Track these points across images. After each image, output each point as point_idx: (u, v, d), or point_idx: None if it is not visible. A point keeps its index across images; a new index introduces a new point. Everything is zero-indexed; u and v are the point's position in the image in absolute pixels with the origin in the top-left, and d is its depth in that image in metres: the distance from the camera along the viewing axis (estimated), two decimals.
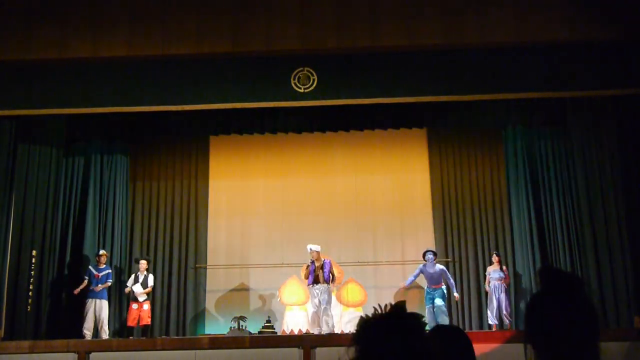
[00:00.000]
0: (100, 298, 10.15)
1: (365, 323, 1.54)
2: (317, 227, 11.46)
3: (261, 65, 9.49)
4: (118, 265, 10.97)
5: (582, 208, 9.69)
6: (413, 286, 10.96)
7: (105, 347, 8.55)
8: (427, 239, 11.59)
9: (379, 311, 1.54)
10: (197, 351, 8.30)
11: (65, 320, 10.25)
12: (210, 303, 11.58)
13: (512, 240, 11.02)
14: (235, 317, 9.93)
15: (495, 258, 10.51)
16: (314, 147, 12.01)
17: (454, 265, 11.33)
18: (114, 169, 11.23)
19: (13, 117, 9.76)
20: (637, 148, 9.41)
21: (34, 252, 9.94)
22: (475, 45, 9.30)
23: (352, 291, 10.79)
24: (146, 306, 10.43)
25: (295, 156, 12.10)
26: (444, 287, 10.36)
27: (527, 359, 1.66)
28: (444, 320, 9.99)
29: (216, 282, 11.67)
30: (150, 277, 10.64)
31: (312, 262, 9.70)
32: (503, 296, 10.21)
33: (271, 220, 11.90)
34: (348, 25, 9.34)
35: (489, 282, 10.41)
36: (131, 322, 10.29)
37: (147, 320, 10.40)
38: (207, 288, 11.57)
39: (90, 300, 10.09)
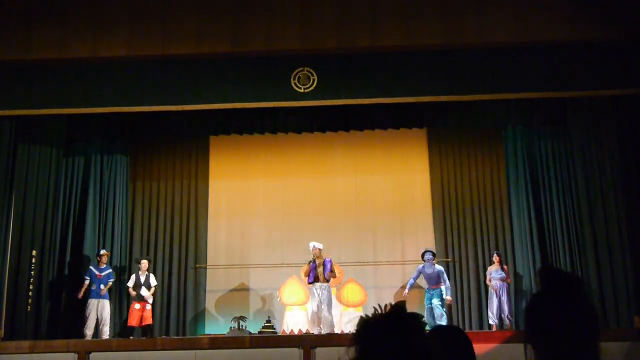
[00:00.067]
0: (103, 298, 10.15)
1: (365, 323, 1.54)
2: (317, 227, 11.46)
3: (261, 65, 9.49)
4: (118, 265, 10.97)
5: (582, 208, 9.69)
6: (413, 286, 10.94)
7: (105, 347, 8.55)
8: (427, 239, 11.59)
9: (379, 311, 1.54)
10: (197, 351, 8.30)
11: (65, 320, 10.26)
12: (210, 303, 11.58)
13: (512, 240, 11.02)
14: (235, 317, 9.93)
15: (496, 258, 10.51)
16: (314, 147, 12.01)
17: (454, 265, 11.33)
18: (114, 169, 11.24)
19: (13, 117, 9.76)
20: (637, 148, 9.41)
21: (34, 252, 9.94)
22: (475, 45, 9.30)
23: (352, 291, 10.79)
24: (148, 306, 10.44)
25: (295, 156, 12.10)
26: (442, 287, 10.35)
27: (527, 359, 1.66)
28: (440, 320, 10.00)
29: (216, 282, 11.67)
30: (152, 277, 10.65)
31: (313, 260, 9.70)
32: (505, 298, 10.20)
33: (271, 220, 11.90)
34: (348, 25, 9.34)
35: (490, 281, 10.40)
36: (133, 322, 10.27)
37: (149, 320, 10.41)
38: (207, 288, 11.57)
39: (92, 300, 10.08)
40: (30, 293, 9.79)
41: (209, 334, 10.33)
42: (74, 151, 11.11)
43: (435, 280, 10.36)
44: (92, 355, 8.26)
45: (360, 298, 10.77)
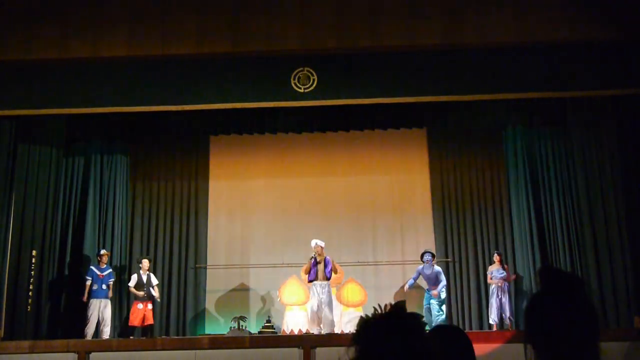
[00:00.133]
0: (105, 298, 10.15)
1: (365, 323, 1.54)
2: (317, 227, 11.45)
3: (261, 65, 9.49)
4: (118, 265, 10.97)
5: (582, 208, 9.69)
6: (413, 286, 10.95)
7: (105, 347, 8.54)
8: (427, 239, 11.60)
9: (379, 311, 1.54)
10: (197, 351, 8.30)
11: (65, 320, 10.26)
12: (210, 303, 11.58)
13: (512, 240, 11.02)
14: (235, 317, 9.93)
15: (496, 257, 10.51)
16: (314, 147, 12.01)
17: (454, 266, 11.33)
18: (114, 169, 11.24)
19: (13, 117, 9.76)
20: (637, 148, 9.41)
21: (34, 252, 9.93)
22: (475, 45, 9.30)
23: (352, 291, 10.79)
24: (150, 306, 10.45)
25: (295, 156, 12.10)
26: (442, 288, 10.35)
27: (527, 359, 1.66)
28: (437, 320, 10.02)
29: (216, 282, 11.66)
30: (153, 276, 10.66)
31: (315, 258, 9.70)
32: (506, 299, 10.20)
33: (271, 220, 11.90)
34: (348, 25, 9.34)
35: (492, 279, 10.39)
36: (136, 322, 10.25)
37: (151, 320, 10.42)
38: (207, 288, 11.57)
39: (94, 300, 10.07)
40: (30, 293, 9.78)
41: (209, 334, 10.33)
42: (74, 151, 11.11)
43: (434, 281, 10.37)
44: (92, 355, 8.26)
45: (360, 298, 10.77)
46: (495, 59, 9.35)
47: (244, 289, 11.66)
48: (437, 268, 10.50)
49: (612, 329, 8.76)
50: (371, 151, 12.02)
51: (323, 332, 9.33)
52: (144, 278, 10.50)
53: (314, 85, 9.38)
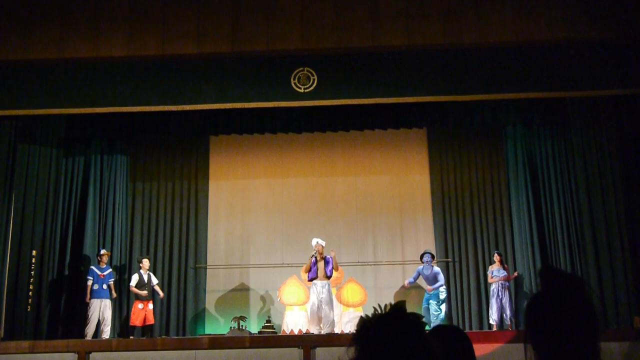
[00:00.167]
0: (105, 298, 10.15)
1: (365, 323, 1.54)
2: (317, 227, 11.46)
3: (261, 65, 9.50)
4: (118, 265, 10.97)
5: (582, 208, 9.69)
6: (413, 286, 10.96)
7: (105, 347, 8.54)
8: (427, 239, 11.60)
9: (379, 311, 1.54)
10: (197, 351, 8.30)
11: (65, 320, 10.25)
12: (210, 303, 11.58)
13: (512, 240, 11.02)
14: (235, 317, 9.93)
15: (496, 257, 10.52)
16: (314, 147, 12.01)
17: (454, 265, 11.33)
18: (114, 169, 11.23)
19: (13, 117, 9.77)
20: (637, 148, 9.41)
21: (34, 252, 9.94)
22: (475, 45, 9.30)
23: (352, 291, 10.79)
24: (151, 305, 10.44)
25: (295, 156, 12.10)
26: (440, 288, 10.35)
27: (527, 359, 1.66)
28: (436, 318, 10.03)
29: (216, 282, 11.66)
30: (152, 276, 10.67)
31: (315, 257, 9.71)
32: (506, 299, 10.20)
33: (271, 220, 11.90)
34: (348, 25, 9.34)
35: (492, 278, 10.38)
36: (137, 321, 10.24)
37: (152, 319, 10.41)
38: (207, 288, 11.57)
39: (95, 300, 10.06)
40: (30, 293, 9.79)
41: (209, 334, 10.33)
42: (74, 151, 11.10)
43: (432, 282, 10.38)
44: (92, 355, 8.26)
45: (360, 298, 10.77)
46: (495, 59, 9.36)
47: (244, 289, 11.66)
48: (436, 269, 10.51)
49: (612, 329, 8.76)
50: (371, 151, 12.02)
51: (323, 331, 9.33)
52: (145, 277, 10.50)
53: (314, 85, 9.39)
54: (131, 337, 10.10)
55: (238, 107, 9.69)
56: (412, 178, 12.00)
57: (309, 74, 9.41)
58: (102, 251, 10.42)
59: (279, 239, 11.77)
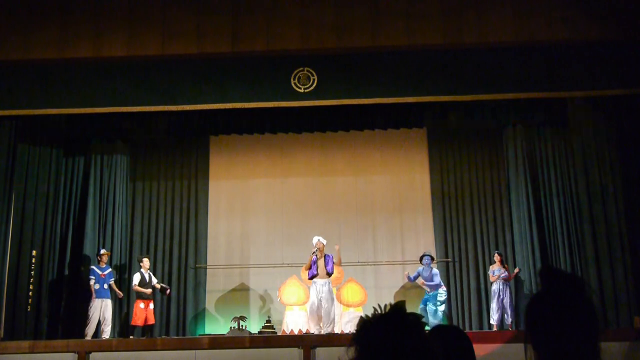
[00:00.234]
0: (106, 297, 10.15)
1: (365, 323, 1.54)
2: (317, 227, 11.45)
3: (261, 65, 9.50)
4: (118, 264, 10.97)
5: (582, 208, 9.69)
6: (413, 286, 10.96)
7: (105, 347, 8.54)
8: (427, 239, 11.60)
9: (379, 311, 1.54)
10: (197, 351, 8.30)
11: (65, 320, 10.25)
12: (210, 303, 11.58)
13: (512, 240, 11.02)
14: (235, 317, 9.93)
15: (497, 257, 10.52)
16: (314, 147, 12.01)
17: (454, 266, 11.33)
18: (114, 169, 11.23)
19: (13, 117, 9.77)
20: (637, 148, 9.42)
21: (34, 252, 9.94)
22: (475, 45, 9.30)
23: (352, 291, 10.79)
24: (152, 305, 10.44)
25: (295, 156, 12.10)
26: (439, 290, 10.35)
27: (527, 359, 1.66)
28: (433, 316, 10.03)
29: (216, 282, 11.66)
30: (152, 275, 10.68)
31: (316, 255, 9.70)
32: (507, 299, 10.20)
33: (271, 220, 11.90)
34: (348, 25, 9.34)
35: (493, 277, 10.37)
36: (139, 321, 10.23)
37: (152, 319, 10.41)
38: (207, 288, 11.57)
39: (97, 300, 10.05)
40: (30, 293, 9.79)
41: (209, 334, 10.33)
42: (74, 151, 11.10)
43: (437, 283, 10.38)
44: (92, 355, 8.26)
45: (360, 298, 10.77)
46: (495, 59, 9.36)
47: (244, 289, 11.66)
48: (435, 271, 10.52)
49: (612, 329, 8.76)
50: (371, 151, 12.02)
51: (323, 330, 9.33)
52: (146, 277, 10.50)
53: (314, 85, 9.39)
54: (131, 337, 10.09)
55: (238, 107, 9.69)
56: (412, 178, 12.00)
57: (309, 74, 9.41)
58: (102, 251, 10.41)
59: (279, 239, 11.76)
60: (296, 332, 10.02)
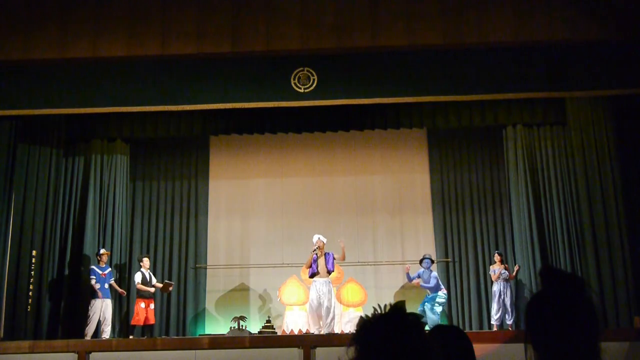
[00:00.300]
0: (107, 297, 10.14)
1: (365, 323, 1.54)
2: (317, 227, 11.44)
3: (261, 65, 9.49)
4: (118, 264, 10.97)
5: (582, 208, 9.70)
6: (413, 286, 10.95)
7: (105, 347, 8.54)
8: (427, 239, 11.60)
9: (379, 311, 1.54)
10: (197, 351, 8.29)
11: (65, 320, 10.25)
12: (210, 303, 11.58)
13: (513, 240, 11.01)
14: (235, 317, 9.93)
15: (497, 257, 10.52)
16: (314, 147, 12.01)
17: (454, 266, 11.33)
18: (114, 169, 11.23)
19: (13, 117, 9.77)
20: (637, 148, 9.42)
21: (34, 252, 9.94)
22: (475, 45, 9.30)
23: (352, 291, 10.79)
24: (152, 305, 10.44)
25: (295, 156, 12.10)
26: (439, 292, 10.34)
27: (527, 359, 1.66)
28: (431, 316, 10.04)
29: (216, 282, 11.66)
30: (152, 275, 10.68)
31: (316, 253, 9.70)
32: (508, 299, 10.20)
33: (271, 220, 11.90)
34: (348, 25, 9.34)
35: (495, 275, 10.36)
36: (138, 321, 10.23)
37: (153, 319, 10.41)
38: (207, 288, 11.57)
39: (97, 300, 10.05)
40: (30, 293, 9.79)
41: (209, 334, 10.33)
42: (74, 151, 11.11)
43: (430, 287, 10.37)
44: (92, 355, 8.26)
45: (360, 298, 10.77)
46: (495, 59, 9.35)
47: (244, 289, 11.66)
48: (434, 274, 10.51)
49: (612, 329, 8.76)
50: (371, 151, 12.02)
51: (323, 331, 9.33)
52: (147, 276, 10.51)
53: (314, 85, 9.39)
54: (131, 337, 10.09)
55: (238, 107, 9.69)
56: (412, 178, 12.00)
57: (309, 74, 9.41)
58: (102, 250, 10.41)
59: (279, 238, 11.76)
60: (296, 332, 10.02)
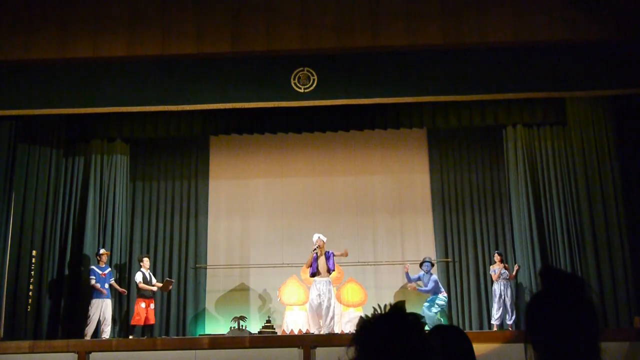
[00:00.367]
0: (107, 297, 10.14)
1: (365, 323, 1.54)
2: (317, 227, 11.43)
3: (261, 65, 9.49)
4: (118, 264, 10.97)
5: (582, 208, 9.70)
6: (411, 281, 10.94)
7: (105, 347, 8.54)
8: (427, 239, 11.60)
9: (379, 311, 1.54)
10: (197, 351, 8.29)
11: (65, 320, 10.25)
12: (210, 303, 11.58)
13: (512, 240, 11.01)
14: (235, 317, 9.93)
15: (497, 257, 10.51)
16: (314, 147, 12.01)
17: (454, 266, 11.33)
18: (114, 169, 11.23)
19: (13, 117, 9.77)
20: (637, 148, 9.42)
21: (34, 252, 9.94)
22: (475, 45, 9.30)
23: (352, 291, 10.79)
24: (152, 305, 10.44)
25: (295, 156, 12.10)
26: (439, 294, 10.34)
27: (527, 358, 1.66)
28: (428, 315, 10.06)
29: (216, 282, 11.66)
30: (152, 275, 10.68)
31: (316, 252, 9.70)
32: (508, 299, 10.20)
33: (271, 220, 11.90)
34: (348, 25, 9.34)
35: (496, 276, 10.35)
36: (139, 321, 10.22)
37: (153, 319, 10.41)
38: (207, 288, 11.57)
39: (97, 300, 10.04)
40: (30, 293, 9.79)
41: (209, 334, 10.33)
42: (74, 151, 11.11)
43: (430, 290, 10.37)
44: (92, 355, 8.26)
45: (360, 298, 10.77)
46: (495, 59, 9.35)
47: (244, 289, 11.66)
48: (434, 277, 10.51)
49: (612, 329, 8.76)
50: (371, 151, 12.02)
51: (323, 331, 9.33)
52: (147, 276, 10.51)
53: (314, 85, 9.39)
54: (131, 337, 10.09)
55: (238, 107, 9.69)
56: (412, 178, 12.00)
57: (309, 74, 9.41)
58: (102, 250, 10.41)
59: (279, 238, 11.77)
60: (296, 332, 10.02)
